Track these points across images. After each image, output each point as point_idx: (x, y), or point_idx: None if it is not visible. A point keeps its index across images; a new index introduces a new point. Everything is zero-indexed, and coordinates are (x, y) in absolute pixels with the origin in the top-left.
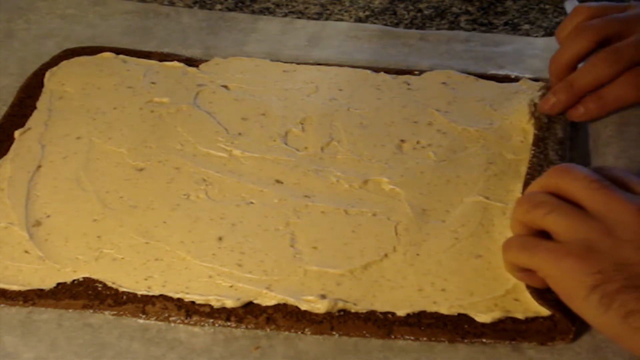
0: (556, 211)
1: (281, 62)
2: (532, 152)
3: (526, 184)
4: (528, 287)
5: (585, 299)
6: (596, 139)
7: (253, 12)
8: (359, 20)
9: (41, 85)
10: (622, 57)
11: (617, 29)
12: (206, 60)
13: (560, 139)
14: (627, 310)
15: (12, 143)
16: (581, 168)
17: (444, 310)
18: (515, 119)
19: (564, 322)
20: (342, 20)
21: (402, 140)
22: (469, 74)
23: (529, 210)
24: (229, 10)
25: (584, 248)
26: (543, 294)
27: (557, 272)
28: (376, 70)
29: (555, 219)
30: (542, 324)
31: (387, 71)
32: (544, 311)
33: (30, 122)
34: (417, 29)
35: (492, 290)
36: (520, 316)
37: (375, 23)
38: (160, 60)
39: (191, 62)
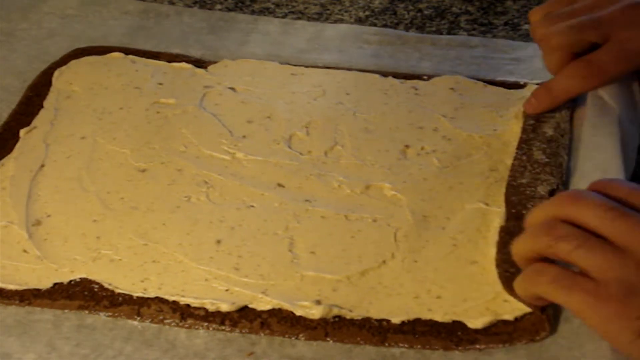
0: (584, 246)
1: (290, 64)
2: (515, 155)
3: (508, 187)
4: (501, 277)
5: (632, 343)
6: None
7: (253, 12)
8: (359, 20)
9: (49, 84)
10: (595, 69)
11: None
12: (214, 62)
13: (550, 137)
14: None
15: (17, 141)
16: (591, 194)
17: (438, 317)
18: (516, 125)
19: (539, 316)
20: (342, 20)
21: (407, 146)
22: (478, 80)
23: (552, 245)
24: (229, 10)
25: (624, 290)
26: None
27: (597, 315)
28: (384, 74)
29: (585, 256)
30: (529, 320)
31: (396, 76)
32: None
33: (36, 121)
34: (417, 29)
35: (483, 294)
36: (509, 317)
37: (375, 23)
38: (169, 61)
39: (200, 63)
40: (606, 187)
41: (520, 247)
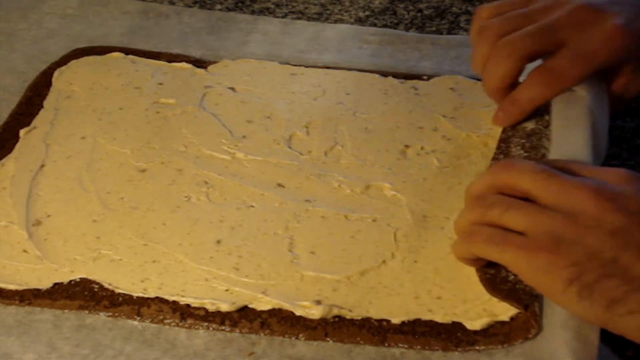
0: (512, 208)
1: (289, 64)
2: (492, 155)
3: None
4: (482, 280)
5: (564, 292)
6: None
7: (253, 12)
8: (359, 20)
9: (49, 84)
10: (555, 75)
11: (517, 24)
12: (214, 62)
13: (531, 130)
14: (608, 299)
15: (17, 141)
16: (524, 161)
17: (438, 318)
18: None
19: (526, 314)
20: (342, 20)
21: (407, 146)
22: (478, 79)
23: (484, 214)
24: (229, 10)
25: (552, 241)
26: (496, 285)
27: (530, 267)
28: (384, 74)
29: (514, 216)
30: (521, 318)
31: (395, 76)
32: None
33: (36, 121)
34: (417, 29)
35: (480, 295)
36: (505, 318)
37: (375, 23)
38: (169, 61)
39: (200, 63)
40: (547, 162)
41: (458, 221)
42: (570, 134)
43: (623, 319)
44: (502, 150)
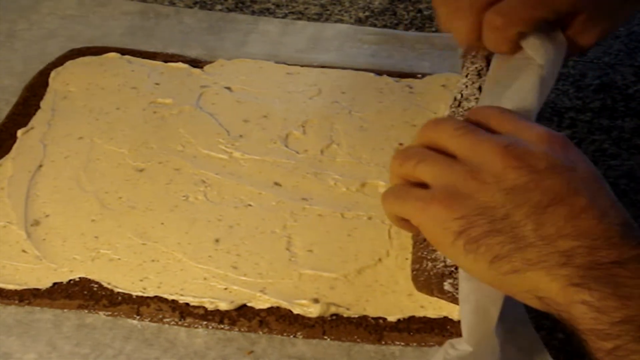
0: (425, 161)
1: (285, 64)
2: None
3: None
4: (411, 277)
5: (452, 245)
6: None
7: (253, 12)
8: (359, 20)
9: (46, 84)
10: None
11: None
12: (211, 62)
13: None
14: (493, 255)
15: (15, 142)
16: (449, 118)
17: (430, 314)
18: None
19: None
20: (342, 20)
21: (401, 144)
22: None
23: (402, 164)
24: (229, 10)
25: (447, 193)
26: (417, 278)
27: (425, 219)
28: (379, 73)
29: (424, 168)
30: None
31: (390, 74)
32: None
33: (34, 122)
34: (416, 29)
35: (441, 282)
36: None
37: (375, 23)
38: (165, 61)
39: (196, 63)
40: (479, 112)
41: (389, 177)
42: (518, 83)
43: (507, 278)
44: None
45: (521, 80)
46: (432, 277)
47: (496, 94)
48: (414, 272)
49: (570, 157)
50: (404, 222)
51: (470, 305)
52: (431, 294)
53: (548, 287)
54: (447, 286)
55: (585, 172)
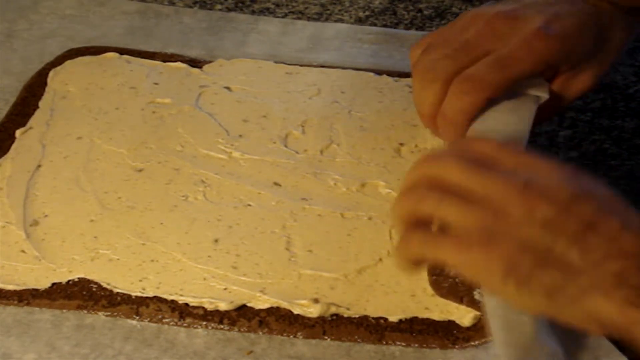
0: (445, 201)
1: (285, 64)
2: None
3: None
4: (430, 283)
5: (503, 286)
6: None
7: (253, 12)
8: (359, 20)
9: (45, 84)
10: (474, 82)
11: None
12: (210, 61)
13: None
14: (547, 288)
15: (13, 142)
16: (449, 154)
17: (435, 316)
18: None
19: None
20: (342, 20)
21: (401, 144)
22: None
23: (417, 204)
24: (229, 10)
25: (484, 235)
26: (440, 284)
27: (467, 265)
28: (379, 72)
29: (448, 209)
30: None
31: (390, 74)
32: None
33: (32, 122)
34: (417, 29)
35: (470, 291)
36: None
37: (375, 23)
38: (164, 61)
39: (195, 63)
40: (469, 145)
41: (394, 213)
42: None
43: (567, 309)
44: None
45: (513, 109)
46: (458, 285)
47: (488, 119)
48: (434, 278)
49: (584, 183)
50: (419, 264)
51: (500, 321)
52: (459, 302)
53: (607, 310)
54: (477, 296)
55: (606, 195)
